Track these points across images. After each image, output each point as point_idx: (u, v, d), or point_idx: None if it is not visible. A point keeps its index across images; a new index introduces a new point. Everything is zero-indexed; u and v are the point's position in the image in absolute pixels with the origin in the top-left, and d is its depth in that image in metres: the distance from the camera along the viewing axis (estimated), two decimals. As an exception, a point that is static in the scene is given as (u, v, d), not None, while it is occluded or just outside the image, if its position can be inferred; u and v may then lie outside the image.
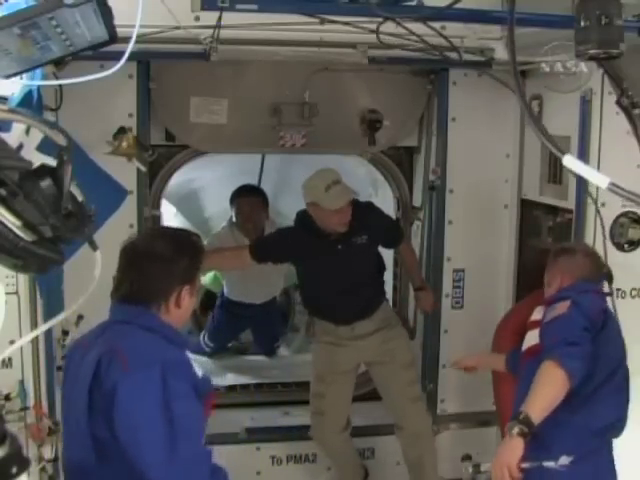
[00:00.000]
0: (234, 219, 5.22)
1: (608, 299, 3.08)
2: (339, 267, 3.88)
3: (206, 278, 5.94)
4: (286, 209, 6.11)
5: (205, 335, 5.76)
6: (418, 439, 4.12)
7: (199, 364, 4.95)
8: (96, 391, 2.10)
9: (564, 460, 2.62)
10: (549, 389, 2.63)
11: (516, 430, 2.53)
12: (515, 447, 2.54)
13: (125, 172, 3.89)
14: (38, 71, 2.03)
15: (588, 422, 2.78)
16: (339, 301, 3.95)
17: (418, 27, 2.77)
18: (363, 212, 3.89)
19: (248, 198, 5.16)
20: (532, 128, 1.61)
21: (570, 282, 3.02)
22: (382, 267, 4.12)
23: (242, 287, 5.46)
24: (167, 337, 2.22)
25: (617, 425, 2.86)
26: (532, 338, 2.99)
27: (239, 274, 5.25)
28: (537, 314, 3.02)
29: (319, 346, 4.18)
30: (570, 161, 1.51)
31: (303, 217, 3.95)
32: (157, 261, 2.22)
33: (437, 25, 2.79)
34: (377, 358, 4.08)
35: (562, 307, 2.83)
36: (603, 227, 3.34)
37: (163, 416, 2.05)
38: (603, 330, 2.82)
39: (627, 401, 2.89)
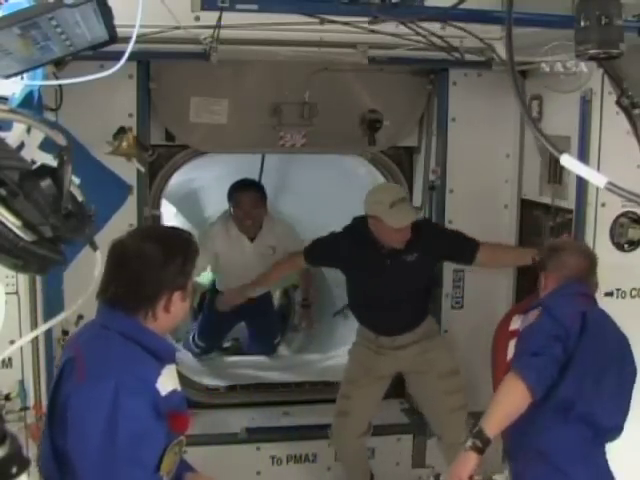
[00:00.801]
0: (231, 213, 4.90)
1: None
2: (385, 282, 3.85)
3: (203, 278, 5.90)
4: (286, 209, 6.12)
5: (194, 335, 5.59)
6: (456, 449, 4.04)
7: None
8: (57, 398, 2.03)
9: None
10: (506, 403, 2.61)
11: (469, 444, 2.55)
12: (467, 461, 2.56)
13: (125, 172, 3.90)
14: (39, 71, 2.03)
15: (582, 431, 2.70)
16: (382, 314, 3.95)
17: (418, 27, 2.77)
18: (417, 229, 3.78)
19: (248, 193, 4.81)
20: (530, 128, 1.62)
21: (557, 283, 2.96)
22: (431, 285, 4.07)
23: (234, 278, 5.00)
24: (147, 347, 2.09)
25: (614, 430, 2.78)
26: (512, 348, 2.95)
27: (231, 265, 4.92)
28: (514, 324, 2.99)
29: (357, 349, 4.18)
30: (568, 161, 1.51)
31: (359, 225, 3.90)
32: (145, 265, 2.08)
33: (437, 26, 2.79)
34: (415, 367, 4.05)
35: (533, 315, 2.79)
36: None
37: (106, 437, 1.92)
38: (583, 334, 2.70)
39: (626, 404, 2.78)
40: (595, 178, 1.47)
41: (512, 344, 2.95)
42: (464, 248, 3.87)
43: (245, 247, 4.81)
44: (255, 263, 4.68)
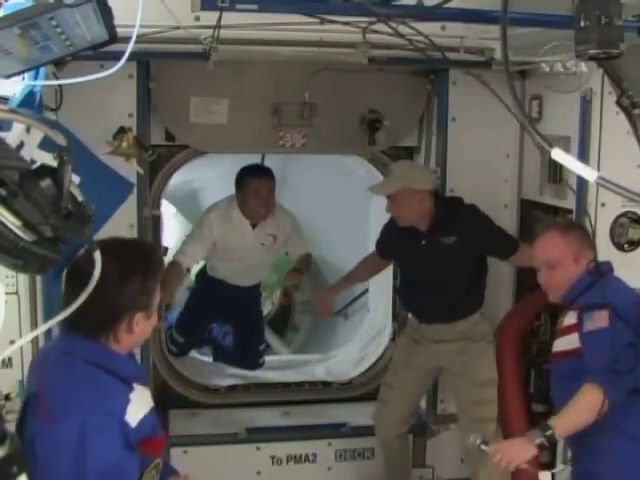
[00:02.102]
0: (237, 198, 4.57)
1: None
2: (422, 263, 3.87)
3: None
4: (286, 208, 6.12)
5: (172, 331, 5.17)
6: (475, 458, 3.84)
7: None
8: (22, 436, 1.90)
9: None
10: (585, 414, 2.66)
11: (538, 441, 2.62)
12: (528, 453, 2.63)
13: (125, 172, 3.89)
14: (41, 71, 2.03)
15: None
16: (422, 298, 3.96)
17: (418, 27, 2.78)
18: (454, 212, 3.83)
19: (266, 181, 4.51)
20: (519, 120, 1.62)
21: (585, 267, 2.96)
22: (480, 276, 3.97)
23: (230, 265, 4.85)
24: (112, 371, 1.98)
25: None
26: (567, 343, 2.94)
27: (229, 251, 4.67)
28: (571, 318, 2.94)
29: (402, 338, 4.27)
30: (558, 154, 1.51)
31: (390, 221, 4.04)
32: (100, 285, 1.84)
33: (437, 25, 2.79)
34: (450, 367, 4.01)
35: (602, 319, 2.78)
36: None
37: (75, 477, 1.86)
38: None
39: None
40: (585, 172, 1.47)
41: (567, 339, 2.95)
42: (503, 245, 3.90)
43: (246, 233, 4.60)
44: (254, 250, 4.61)
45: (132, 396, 1.99)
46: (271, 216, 4.64)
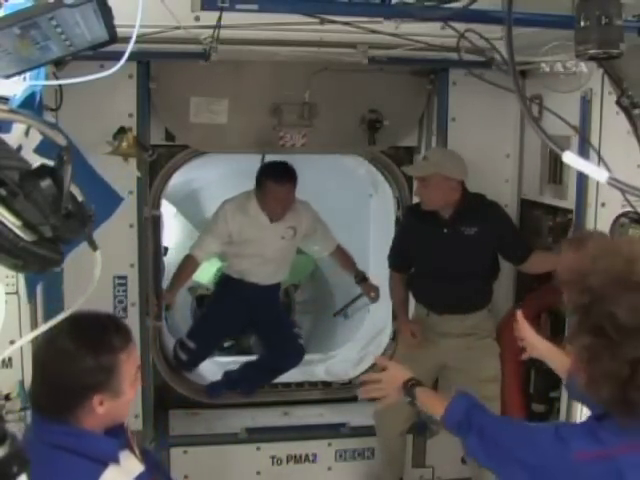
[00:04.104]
0: (256, 195, 4.42)
1: None
2: (442, 252, 3.91)
3: (202, 277, 5.83)
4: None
5: (181, 338, 4.83)
6: None
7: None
8: None
9: None
10: None
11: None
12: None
13: (125, 172, 3.89)
14: (41, 71, 2.03)
15: None
16: (437, 287, 3.98)
17: (418, 27, 2.78)
18: (478, 204, 3.92)
19: (287, 186, 4.35)
20: (532, 126, 1.62)
21: None
22: (493, 273, 4.05)
23: (249, 260, 4.58)
24: (79, 452, 1.83)
25: None
26: None
27: (247, 245, 4.49)
28: None
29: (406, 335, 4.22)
30: (570, 158, 1.51)
31: (413, 206, 4.23)
32: (56, 365, 1.81)
33: (437, 25, 2.79)
34: (455, 363, 4.02)
35: None
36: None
37: None
38: None
39: None
40: (597, 174, 1.48)
41: None
42: (518, 246, 3.97)
43: (264, 226, 4.42)
44: (273, 244, 4.47)
45: (106, 474, 1.83)
46: (290, 209, 4.46)
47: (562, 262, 2.99)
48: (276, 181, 4.32)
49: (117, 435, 1.97)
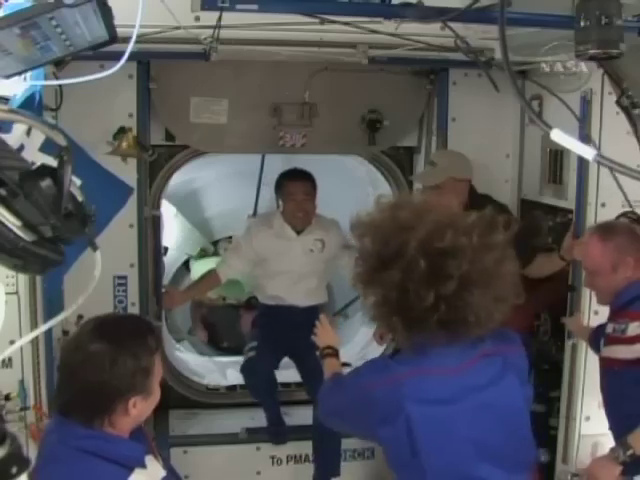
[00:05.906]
0: (280, 207, 4.40)
1: None
2: None
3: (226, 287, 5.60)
4: (286, 209, 6.11)
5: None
6: None
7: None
8: None
9: None
10: None
11: (621, 460, 2.69)
12: (612, 472, 2.72)
13: (125, 172, 3.90)
14: (41, 71, 2.03)
15: None
16: None
17: (418, 27, 2.77)
18: (485, 203, 3.80)
19: (302, 183, 4.35)
20: (522, 105, 1.64)
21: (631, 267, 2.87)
22: None
23: (278, 279, 4.40)
24: (107, 457, 1.84)
25: None
26: (622, 352, 2.89)
27: (274, 262, 4.38)
28: (637, 328, 2.84)
29: None
30: (558, 135, 1.53)
31: None
32: (91, 371, 1.81)
33: (437, 26, 2.79)
34: None
35: None
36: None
37: None
38: None
39: None
40: (583, 151, 1.49)
41: (623, 349, 2.89)
42: (522, 248, 3.87)
43: (291, 240, 4.35)
44: (302, 258, 4.36)
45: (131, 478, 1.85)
46: (316, 221, 4.42)
47: (590, 252, 2.98)
48: (291, 179, 4.36)
49: (140, 439, 2.00)
